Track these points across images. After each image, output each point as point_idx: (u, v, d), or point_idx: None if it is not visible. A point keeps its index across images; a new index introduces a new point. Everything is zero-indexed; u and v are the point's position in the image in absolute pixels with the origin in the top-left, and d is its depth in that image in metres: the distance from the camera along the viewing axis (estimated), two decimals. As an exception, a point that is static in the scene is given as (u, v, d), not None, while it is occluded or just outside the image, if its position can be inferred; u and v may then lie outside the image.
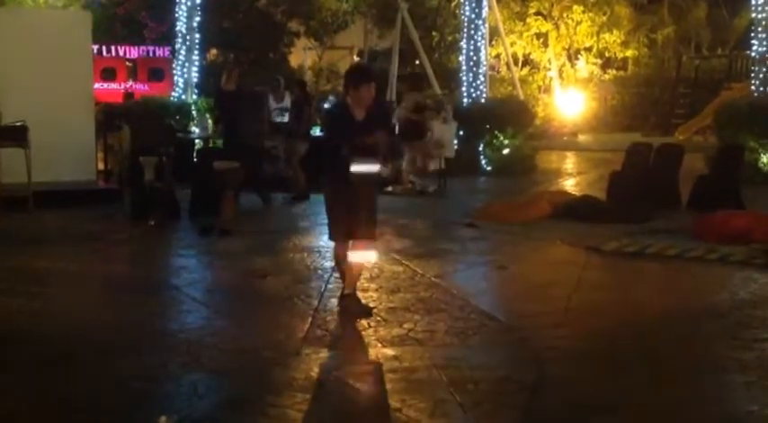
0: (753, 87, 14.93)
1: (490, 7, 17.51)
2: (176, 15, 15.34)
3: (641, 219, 9.89)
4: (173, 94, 15.48)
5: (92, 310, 6.45)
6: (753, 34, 14.95)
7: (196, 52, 15.41)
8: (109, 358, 5.29)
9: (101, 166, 13.02)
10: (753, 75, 15.02)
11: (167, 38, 18.14)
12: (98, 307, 6.60)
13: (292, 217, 10.75)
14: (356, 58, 29.05)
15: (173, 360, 5.26)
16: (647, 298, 6.94)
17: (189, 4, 15.13)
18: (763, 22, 14.61)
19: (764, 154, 13.84)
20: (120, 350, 5.43)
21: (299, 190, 12.05)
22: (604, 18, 26.08)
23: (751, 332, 5.85)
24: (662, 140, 15.22)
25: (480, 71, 16.30)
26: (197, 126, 14.77)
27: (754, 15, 14.92)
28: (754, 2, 14.79)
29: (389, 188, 13.04)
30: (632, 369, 5.19)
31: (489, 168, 15.41)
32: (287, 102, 13.63)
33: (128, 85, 22.80)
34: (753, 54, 15.08)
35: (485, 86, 16.54)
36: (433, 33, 24.24)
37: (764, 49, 14.61)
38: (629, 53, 27.26)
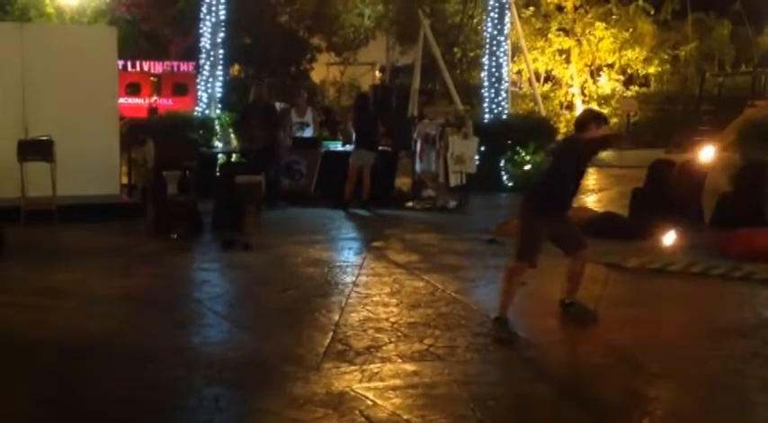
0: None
1: (512, 24, 17.54)
2: (200, 31, 15.50)
3: (662, 235, 9.84)
4: (196, 108, 15.61)
5: (113, 323, 6.50)
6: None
7: (220, 67, 15.54)
8: (130, 371, 5.34)
9: (124, 180, 13.14)
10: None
11: (191, 53, 18.32)
12: (120, 320, 6.64)
13: (314, 230, 10.79)
14: (378, 74, 29.14)
15: (194, 373, 5.29)
16: (668, 315, 6.91)
17: (213, 20, 15.28)
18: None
19: (788, 171, 13.72)
20: (142, 363, 5.47)
21: (369, 198, 12.56)
22: (627, 35, 26.03)
23: (774, 351, 5.81)
24: (685, 157, 15.13)
25: (502, 87, 16.31)
26: (220, 140, 14.88)
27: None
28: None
29: (410, 204, 13.10)
30: (653, 386, 5.16)
31: (510, 184, 15.39)
32: (309, 117, 13.77)
33: (152, 100, 23.04)
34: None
35: (506, 102, 16.55)
36: (455, 49, 24.30)
37: (788, 65, 14.54)
38: (651, 70, 27.19)
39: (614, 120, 25.97)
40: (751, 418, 4.76)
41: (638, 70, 27.22)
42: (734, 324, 6.55)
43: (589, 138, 6.33)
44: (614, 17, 25.84)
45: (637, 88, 27.61)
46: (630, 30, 26.10)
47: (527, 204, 6.43)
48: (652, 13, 26.17)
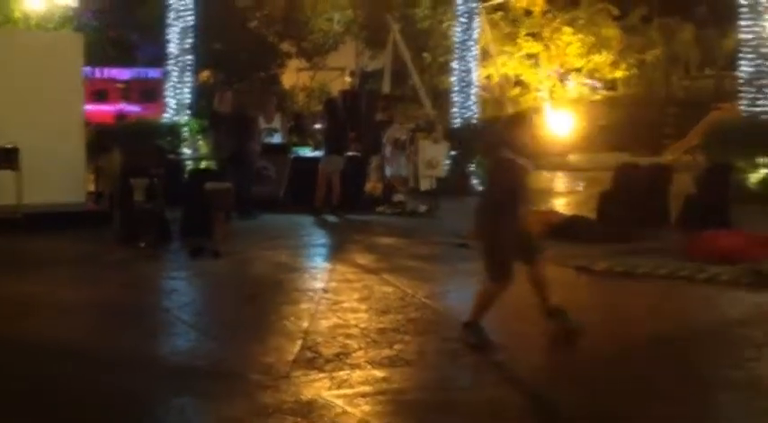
0: (741, 107, 15.04)
1: (481, 28, 17.63)
2: (168, 37, 15.41)
3: (631, 238, 9.93)
4: (164, 115, 15.51)
5: (80, 333, 6.44)
6: (740, 55, 15.09)
7: (188, 74, 15.46)
8: (97, 380, 5.27)
9: (91, 187, 13.02)
10: (741, 95, 15.14)
11: (159, 59, 18.20)
12: (87, 329, 6.58)
13: (284, 237, 10.76)
14: (348, 79, 29.14)
15: (161, 383, 5.25)
16: (636, 318, 6.96)
17: (181, 25, 15.20)
18: (751, 43, 14.76)
19: (753, 173, 13.93)
20: (109, 373, 5.41)
21: (338, 203, 12.59)
22: (594, 39, 26.26)
23: (739, 352, 5.87)
24: (651, 160, 15.31)
25: (471, 92, 16.41)
26: (188, 147, 14.81)
27: (741, 36, 15.07)
28: (741, 23, 14.94)
29: (380, 208, 13.11)
30: (622, 389, 5.19)
31: (480, 188, 15.45)
32: (277, 122, 13.75)
33: (120, 107, 22.87)
34: (741, 74, 15.21)
35: (476, 107, 16.64)
36: (425, 54, 24.37)
37: (752, 69, 14.75)
38: (618, 74, 27.45)
39: (583, 124, 26.21)
40: (717, 418, 4.81)
41: (605, 74, 27.46)
42: (700, 325, 6.62)
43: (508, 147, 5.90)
44: (581, 21, 26.05)
45: (604, 92, 27.85)
46: (597, 34, 26.32)
47: (482, 213, 6.09)
48: (617, 13, 26.42)
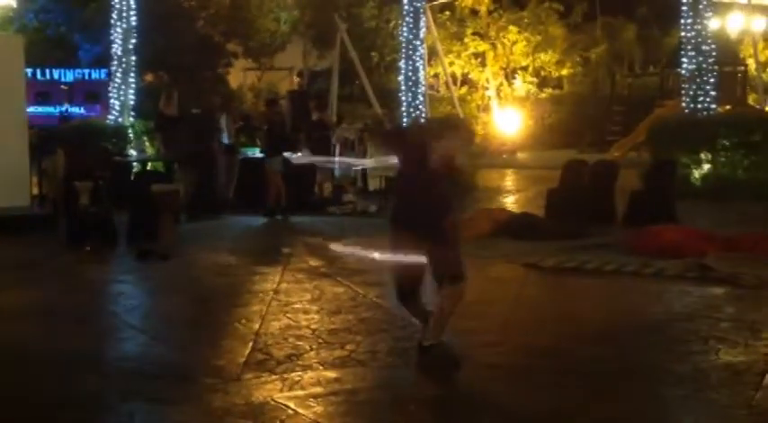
0: (684, 104, 15.31)
1: (428, 28, 17.69)
2: (111, 38, 15.19)
3: (579, 235, 10.04)
4: (109, 117, 15.28)
5: (26, 338, 6.29)
6: (682, 52, 15.36)
7: (132, 74, 15.25)
8: (44, 387, 5.17)
9: (35, 190, 12.77)
10: (683, 92, 15.41)
11: (103, 60, 17.93)
12: (33, 334, 6.43)
13: (233, 238, 10.67)
14: (296, 79, 29.02)
15: (110, 389, 5.17)
16: (585, 313, 7.04)
17: (124, 26, 14.99)
18: (692, 41, 15.03)
19: (696, 169, 14.19)
20: (56, 379, 5.31)
21: (281, 207, 12.32)
22: (539, 38, 26.56)
23: (685, 345, 5.97)
24: (597, 157, 15.52)
25: (419, 91, 16.43)
26: (134, 149, 14.61)
27: (683, 34, 15.34)
28: (683, 21, 15.21)
29: (331, 209, 13.08)
30: (571, 385, 5.24)
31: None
32: (222, 123, 13.65)
33: (63, 109, 22.47)
34: (683, 72, 15.48)
35: (424, 106, 16.68)
36: (372, 54, 24.38)
37: (694, 66, 15.02)
38: (564, 72, 27.78)
39: (530, 122, 26.52)
40: (666, 413, 4.88)
41: (551, 73, 27.79)
42: (647, 320, 6.72)
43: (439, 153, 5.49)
44: (526, 21, 26.33)
45: (550, 90, 28.16)
46: (542, 33, 26.62)
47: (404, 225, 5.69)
48: (561, 10, 26.74)
